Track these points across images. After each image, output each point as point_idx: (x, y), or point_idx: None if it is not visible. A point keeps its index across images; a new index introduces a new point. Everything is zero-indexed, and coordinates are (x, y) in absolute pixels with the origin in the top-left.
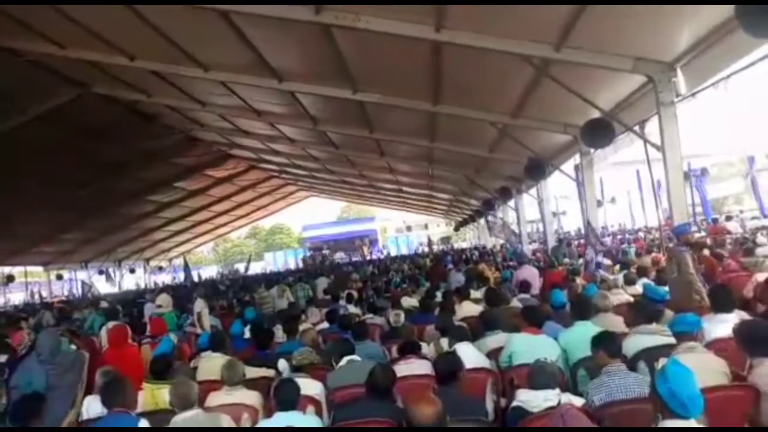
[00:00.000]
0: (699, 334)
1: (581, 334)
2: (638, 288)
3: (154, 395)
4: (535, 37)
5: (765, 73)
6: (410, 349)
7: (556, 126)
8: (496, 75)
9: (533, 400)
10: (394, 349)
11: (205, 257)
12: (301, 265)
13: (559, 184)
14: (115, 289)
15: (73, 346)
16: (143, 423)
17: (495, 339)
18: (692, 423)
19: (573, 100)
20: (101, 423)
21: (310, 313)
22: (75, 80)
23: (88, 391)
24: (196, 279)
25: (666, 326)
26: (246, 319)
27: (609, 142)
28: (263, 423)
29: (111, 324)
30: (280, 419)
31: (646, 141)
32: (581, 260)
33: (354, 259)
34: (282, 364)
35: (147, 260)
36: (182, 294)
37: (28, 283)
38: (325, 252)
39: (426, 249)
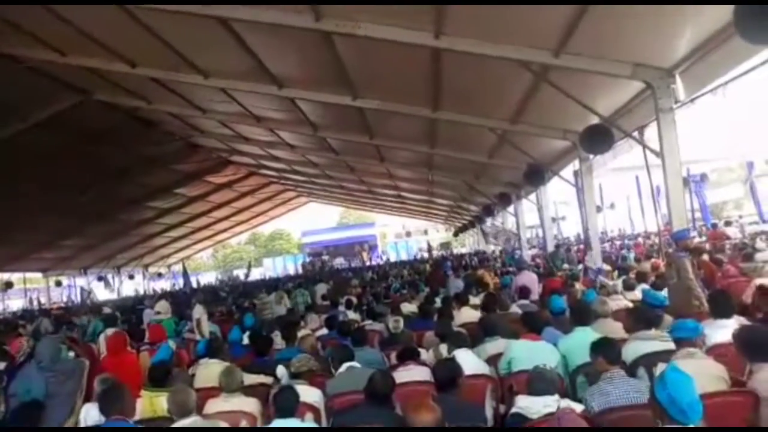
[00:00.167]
0: (700, 340)
1: (580, 340)
2: (637, 294)
3: (152, 402)
4: (534, 44)
5: (763, 79)
6: (409, 356)
7: (556, 132)
8: (496, 81)
9: (532, 406)
10: (393, 355)
11: (204, 263)
12: (300, 270)
13: (558, 190)
14: (113, 296)
15: (73, 353)
16: None
17: (494, 345)
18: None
19: (572, 106)
20: None
21: (309, 319)
22: (76, 87)
23: (87, 399)
24: (195, 285)
25: (665, 332)
26: (245, 325)
27: (608, 148)
28: None
29: (109, 331)
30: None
31: (645, 147)
32: (580, 266)
33: (353, 264)
34: (281, 370)
35: (146, 266)
36: (181, 300)
37: (27, 289)
38: (325, 257)
39: (425, 255)
